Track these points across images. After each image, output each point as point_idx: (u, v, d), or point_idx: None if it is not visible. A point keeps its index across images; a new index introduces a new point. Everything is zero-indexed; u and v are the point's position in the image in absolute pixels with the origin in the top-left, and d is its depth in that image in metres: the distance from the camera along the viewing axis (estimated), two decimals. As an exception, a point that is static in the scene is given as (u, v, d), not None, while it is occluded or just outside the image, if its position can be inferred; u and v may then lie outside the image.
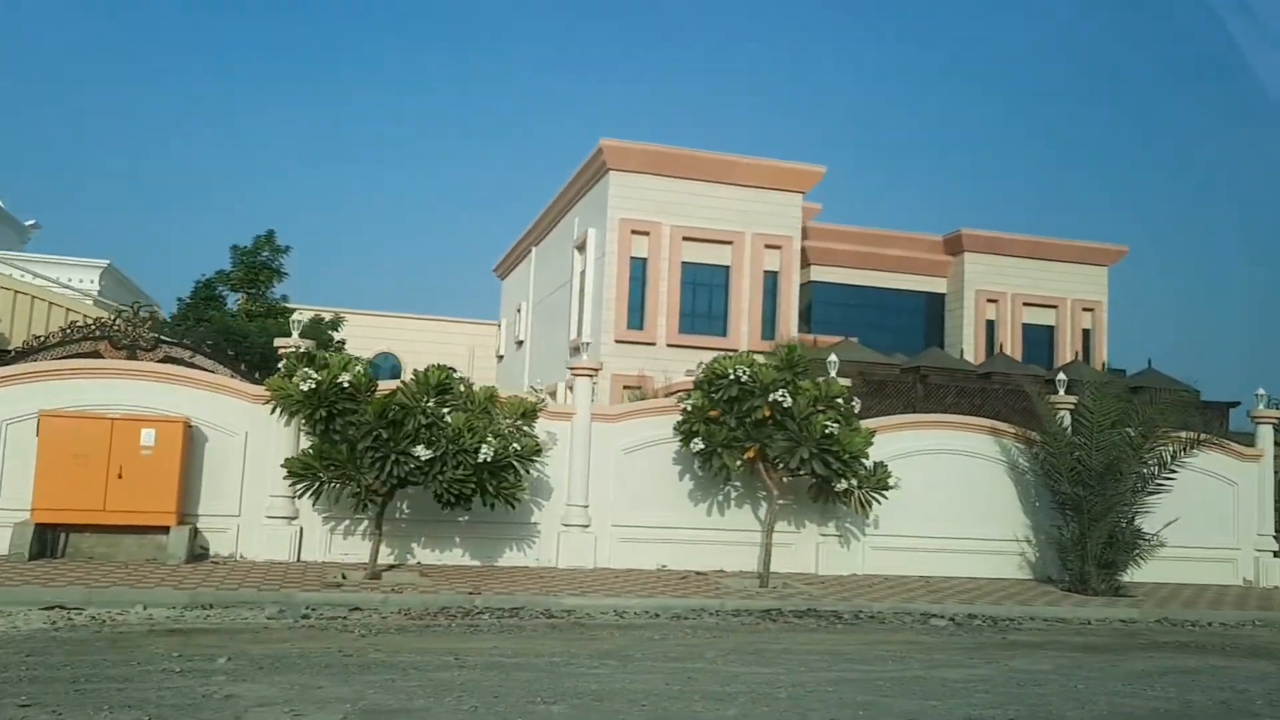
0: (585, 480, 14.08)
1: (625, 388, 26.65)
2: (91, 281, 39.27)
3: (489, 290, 62.37)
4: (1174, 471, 14.67)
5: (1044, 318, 37.08)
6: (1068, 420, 15.24)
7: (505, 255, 43.35)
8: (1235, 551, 16.75)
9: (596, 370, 14.36)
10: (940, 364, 28.89)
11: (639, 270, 28.18)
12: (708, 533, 14.56)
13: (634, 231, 28.01)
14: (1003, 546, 15.65)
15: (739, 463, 13.22)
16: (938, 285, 37.62)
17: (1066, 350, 36.83)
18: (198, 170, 74.60)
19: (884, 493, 13.84)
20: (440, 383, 11.44)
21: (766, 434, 13.04)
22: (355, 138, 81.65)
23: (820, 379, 13.62)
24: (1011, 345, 36.36)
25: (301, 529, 13.07)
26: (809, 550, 14.94)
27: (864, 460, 13.57)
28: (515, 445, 12.16)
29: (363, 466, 11.26)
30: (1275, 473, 17.10)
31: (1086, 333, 37.41)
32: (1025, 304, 36.69)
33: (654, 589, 12.26)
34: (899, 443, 15.45)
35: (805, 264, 36.78)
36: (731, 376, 12.82)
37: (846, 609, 11.87)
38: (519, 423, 12.52)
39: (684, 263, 28.51)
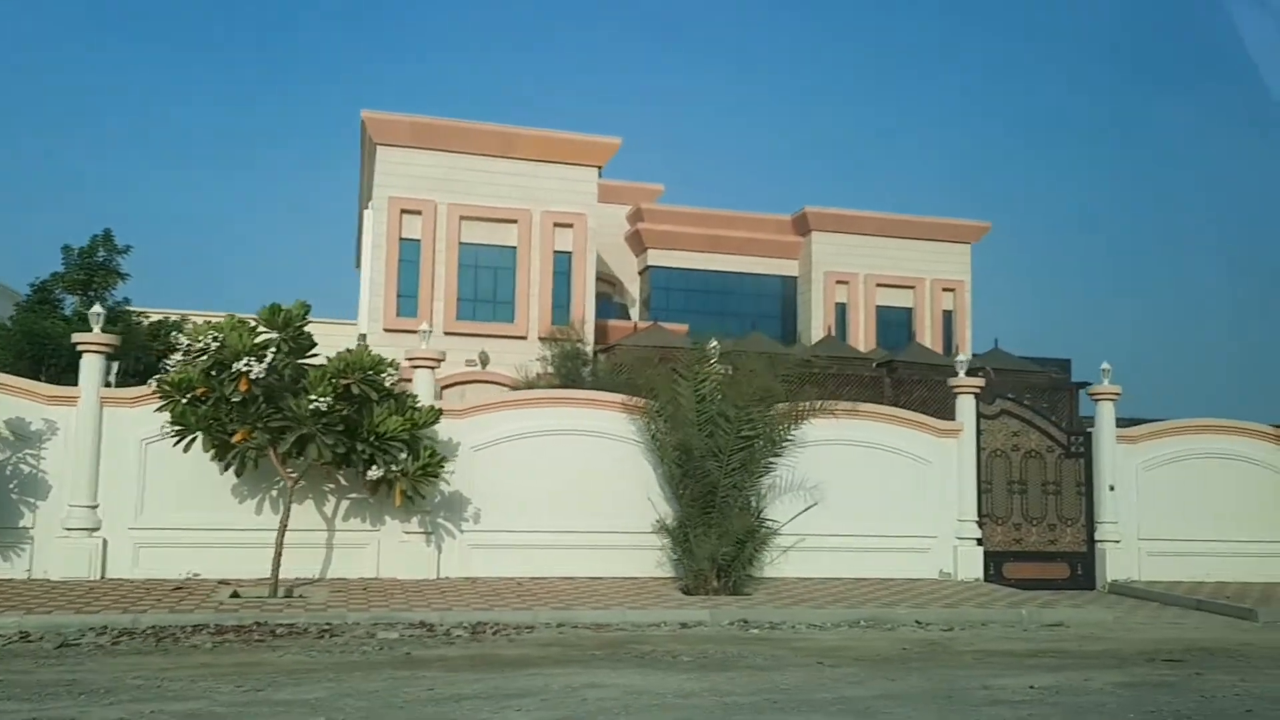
0: (93, 475, 11.89)
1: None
2: (-43, 286, 37.06)
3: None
4: (779, 452, 12.51)
5: (901, 299, 34.90)
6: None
7: (356, 248, 41.24)
8: (931, 540, 14.57)
9: (107, 345, 12.13)
10: (756, 349, 26.76)
11: (412, 253, 25.97)
12: (260, 534, 12.29)
13: (405, 211, 25.83)
14: (640, 540, 13.40)
15: (200, 448, 11.06)
16: (791, 268, 35.48)
17: (926, 333, 34.71)
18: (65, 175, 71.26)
19: (433, 481, 11.72)
20: None
21: (259, 413, 10.85)
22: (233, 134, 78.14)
23: (350, 348, 11.48)
24: (865, 329, 34.28)
25: None
26: (392, 551, 12.76)
27: (405, 443, 11.42)
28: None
29: None
30: (982, 449, 14.93)
31: (948, 314, 35.25)
32: (879, 285, 34.53)
33: (100, 604, 10.05)
34: (505, 424, 13.38)
35: (642, 249, 34.75)
36: (201, 344, 10.63)
37: (306, 622, 9.70)
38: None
39: (463, 244, 26.31)
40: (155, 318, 27.84)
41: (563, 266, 27.14)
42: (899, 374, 19.92)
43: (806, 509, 12.89)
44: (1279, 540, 15.71)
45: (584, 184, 27.25)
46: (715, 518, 12.07)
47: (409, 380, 13.09)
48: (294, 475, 11.35)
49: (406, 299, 25.91)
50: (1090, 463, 15.27)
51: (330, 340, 30.46)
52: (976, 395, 14.95)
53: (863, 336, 33.75)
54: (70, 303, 27.56)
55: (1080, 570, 15.06)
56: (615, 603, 11.26)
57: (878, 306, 34.59)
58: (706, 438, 11.99)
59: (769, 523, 12.46)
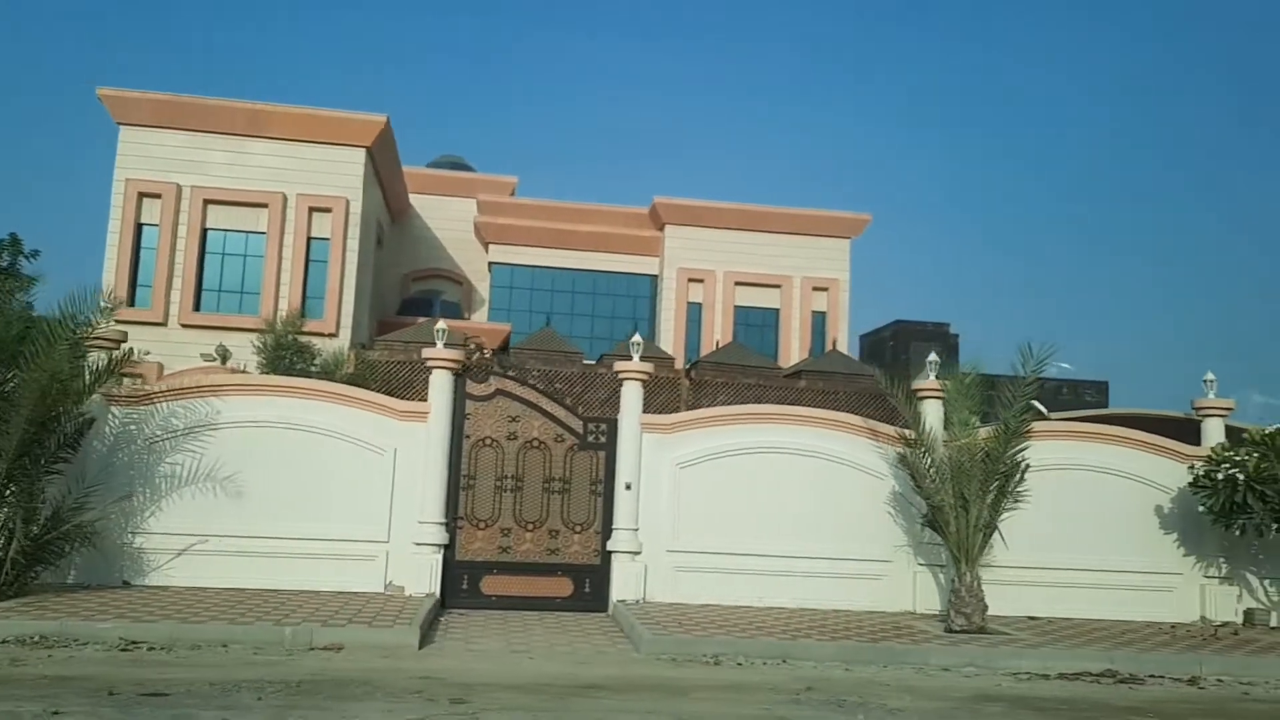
0: None
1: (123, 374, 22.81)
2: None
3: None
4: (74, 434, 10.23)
5: (766, 299, 31.84)
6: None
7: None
8: (381, 546, 11.95)
9: None
10: (549, 348, 24.52)
11: (150, 239, 24.32)
12: None
13: (144, 195, 24.20)
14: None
15: None
16: (653, 266, 32.80)
17: (793, 335, 31.61)
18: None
19: None
20: None
21: None
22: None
23: None
24: (723, 330, 31.35)
25: None
26: None
27: None
28: None
29: None
30: (468, 437, 12.25)
31: (820, 315, 31.99)
32: (739, 284, 31.54)
33: None
34: None
35: (485, 244, 32.56)
36: None
37: None
38: None
39: (207, 229, 24.53)
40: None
41: (320, 254, 25.10)
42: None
43: (119, 500, 10.50)
44: (865, 558, 12.57)
45: (348, 165, 25.18)
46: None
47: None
48: None
49: (142, 288, 24.22)
50: (613, 457, 12.43)
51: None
52: (457, 373, 12.31)
53: (718, 339, 30.89)
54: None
55: (589, 587, 12.21)
56: None
57: (737, 307, 31.62)
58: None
59: (58, 514, 10.09)
